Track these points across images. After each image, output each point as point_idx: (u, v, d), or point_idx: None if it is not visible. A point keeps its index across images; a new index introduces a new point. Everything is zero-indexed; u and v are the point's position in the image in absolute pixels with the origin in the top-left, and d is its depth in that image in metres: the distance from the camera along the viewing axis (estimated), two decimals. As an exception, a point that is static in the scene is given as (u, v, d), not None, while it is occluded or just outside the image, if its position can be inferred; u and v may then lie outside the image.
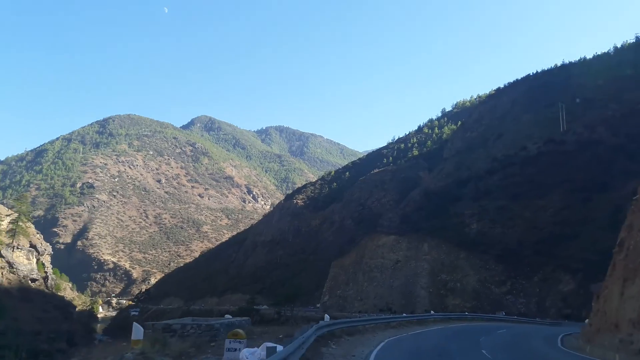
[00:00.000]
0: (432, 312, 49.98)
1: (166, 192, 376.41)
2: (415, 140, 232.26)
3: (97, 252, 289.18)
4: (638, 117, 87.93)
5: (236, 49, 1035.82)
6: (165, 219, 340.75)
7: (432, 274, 71.26)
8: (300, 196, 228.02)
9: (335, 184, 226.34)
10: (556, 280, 62.75)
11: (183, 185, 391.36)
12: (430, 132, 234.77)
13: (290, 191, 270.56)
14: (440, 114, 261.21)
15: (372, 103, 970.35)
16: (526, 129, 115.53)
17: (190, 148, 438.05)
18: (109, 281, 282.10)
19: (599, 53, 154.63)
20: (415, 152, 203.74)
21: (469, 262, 69.88)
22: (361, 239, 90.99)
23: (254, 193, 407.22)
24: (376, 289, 73.99)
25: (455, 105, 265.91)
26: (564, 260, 63.37)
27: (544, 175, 79.57)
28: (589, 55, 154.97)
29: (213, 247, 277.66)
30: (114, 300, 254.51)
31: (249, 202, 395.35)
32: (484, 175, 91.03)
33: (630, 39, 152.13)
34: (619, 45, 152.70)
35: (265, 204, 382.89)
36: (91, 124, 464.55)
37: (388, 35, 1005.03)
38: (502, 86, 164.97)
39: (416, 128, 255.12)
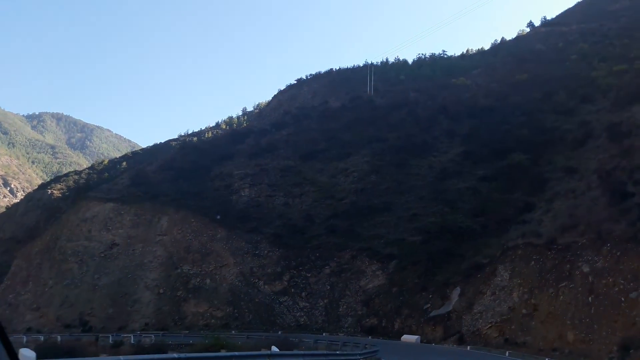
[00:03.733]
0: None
1: None
2: (210, 134, 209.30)
3: None
4: (451, 89, 74.21)
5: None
6: None
7: (168, 264, 43.17)
8: (59, 186, 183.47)
9: (107, 174, 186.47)
10: (357, 271, 39.94)
11: None
12: (228, 128, 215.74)
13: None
14: (241, 113, 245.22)
15: (168, 101, 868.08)
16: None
17: None
18: None
19: (400, 59, 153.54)
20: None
21: (229, 245, 43.62)
22: (63, 213, 59.54)
23: (13, 186, 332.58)
24: (67, 290, 42.89)
25: (257, 105, 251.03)
26: (368, 242, 41.09)
27: (349, 133, 58.25)
28: (391, 59, 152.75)
29: None
30: None
31: (5, 197, 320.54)
32: (269, 129, 66.55)
33: (427, 54, 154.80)
34: (415, 58, 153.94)
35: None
36: None
37: (181, 32, 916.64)
38: (303, 77, 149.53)
39: (214, 124, 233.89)
